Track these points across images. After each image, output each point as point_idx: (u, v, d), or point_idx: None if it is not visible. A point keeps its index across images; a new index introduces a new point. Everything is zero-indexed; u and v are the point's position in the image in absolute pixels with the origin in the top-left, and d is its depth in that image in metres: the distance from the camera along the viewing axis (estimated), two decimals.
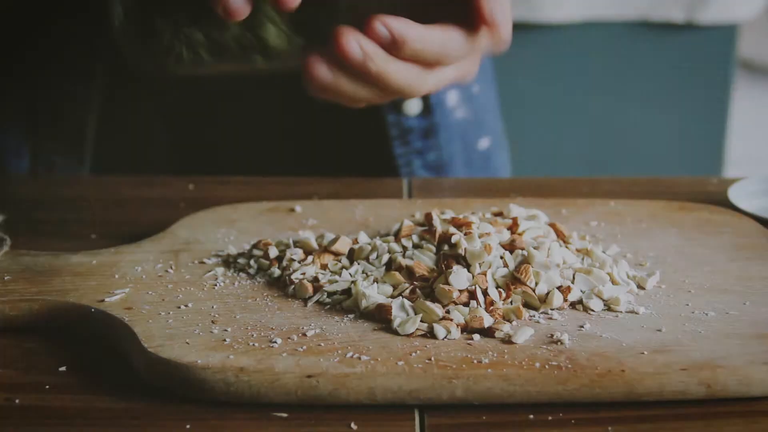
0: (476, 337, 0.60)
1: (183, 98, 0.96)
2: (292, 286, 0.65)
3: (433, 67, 0.66)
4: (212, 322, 0.61)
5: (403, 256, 0.67)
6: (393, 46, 0.63)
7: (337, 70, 0.64)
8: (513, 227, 0.70)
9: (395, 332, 0.60)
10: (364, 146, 0.97)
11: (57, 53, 0.90)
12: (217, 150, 1.00)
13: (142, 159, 0.98)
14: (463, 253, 0.65)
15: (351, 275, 0.66)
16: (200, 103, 0.97)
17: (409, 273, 0.65)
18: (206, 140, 1.00)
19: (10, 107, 0.93)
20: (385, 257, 0.67)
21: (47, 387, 0.58)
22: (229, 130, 1.00)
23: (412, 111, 0.93)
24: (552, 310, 0.63)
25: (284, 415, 0.55)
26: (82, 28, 0.88)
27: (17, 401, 0.57)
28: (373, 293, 0.63)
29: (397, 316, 0.61)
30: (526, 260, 0.65)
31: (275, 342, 0.59)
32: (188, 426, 0.54)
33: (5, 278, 0.67)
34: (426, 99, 0.94)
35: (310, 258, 0.68)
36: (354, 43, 0.63)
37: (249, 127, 0.99)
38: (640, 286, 0.66)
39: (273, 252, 0.69)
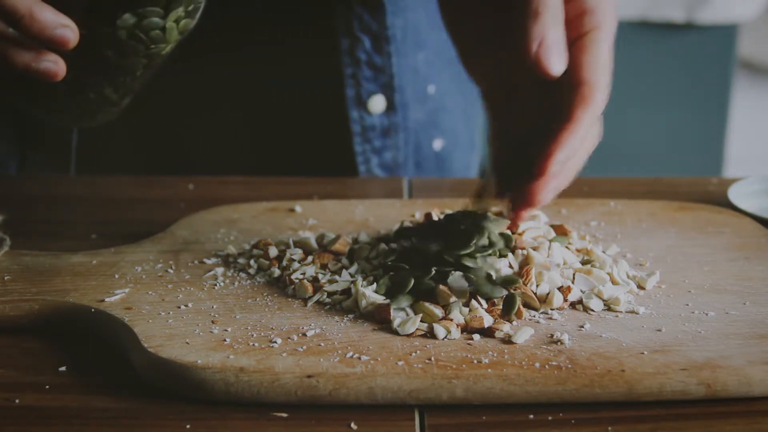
0: (476, 337, 0.60)
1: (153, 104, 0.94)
2: (292, 286, 0.65)
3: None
4: (212, 322, 0.61)
5: None
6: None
7: None
8: (513, 227, 0.70)
9: (395, 332, 0.60)
10: (324, 144, 0.95)
11: None
12: (180, 150, 0.98)
13: (129, 162, 0.97)
14: None
15: (351, 275, 0.66)
16: (171, 106, 0.95)
17: None
18: (174, 141, 0.98)
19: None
20: None
21: (47, 387, 0.58)
22: (186, 129, 0.97)
23: (376, 108, 0.92)
24: (552, 310, 0.63)
25: (284, 415, 0.55)
26: None
27: (17, 401, 0.57)
28: (373, 293, 0.63)
29: (397, 316, 0.61)
30: (526, 260, 0.65)
31: (275, 342, 0.59)
32: (188, 426, 0.54)
33: (5, 278, 0.67)
34: (390, 97, 0.93)
35: (310, 258, 0.68)
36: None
37: (205, 125, 0.97)
38: (640, 286, 0.66)
39: (273, 252, 0.69)
